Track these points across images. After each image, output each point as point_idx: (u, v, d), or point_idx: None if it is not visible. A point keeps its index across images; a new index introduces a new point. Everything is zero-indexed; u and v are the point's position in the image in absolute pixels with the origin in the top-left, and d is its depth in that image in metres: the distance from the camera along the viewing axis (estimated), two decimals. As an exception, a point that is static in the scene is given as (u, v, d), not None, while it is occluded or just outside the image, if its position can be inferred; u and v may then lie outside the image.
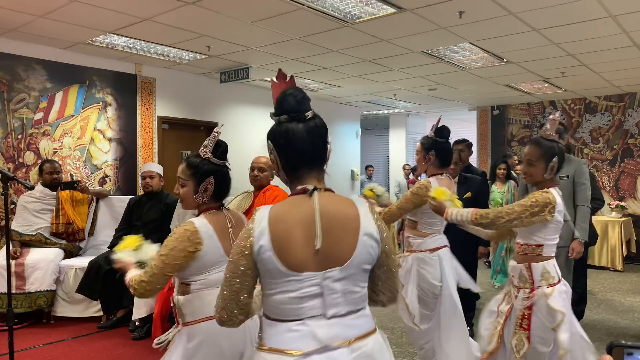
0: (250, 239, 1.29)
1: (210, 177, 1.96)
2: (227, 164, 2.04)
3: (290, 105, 1.37)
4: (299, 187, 1.35)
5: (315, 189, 1.34)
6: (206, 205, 1.99)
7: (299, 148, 1.35)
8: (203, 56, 5.95)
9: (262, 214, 1.31)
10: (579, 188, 3.78)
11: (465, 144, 4.65)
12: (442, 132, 3.02)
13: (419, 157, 3.05)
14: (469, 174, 4.35)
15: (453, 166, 4.12)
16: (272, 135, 1.39)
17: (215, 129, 2.01)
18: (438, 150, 2.99)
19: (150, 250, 2.04)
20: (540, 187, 2.43)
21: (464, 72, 6.71)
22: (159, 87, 6.68)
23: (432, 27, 4.78)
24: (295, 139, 1.35)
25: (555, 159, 2.38)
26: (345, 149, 9.97)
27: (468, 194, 3.99)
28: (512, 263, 2.53)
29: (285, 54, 5.84)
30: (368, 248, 1.32)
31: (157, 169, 4.84)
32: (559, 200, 2.35)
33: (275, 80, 1.58)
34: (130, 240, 2.08)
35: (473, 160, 9.48)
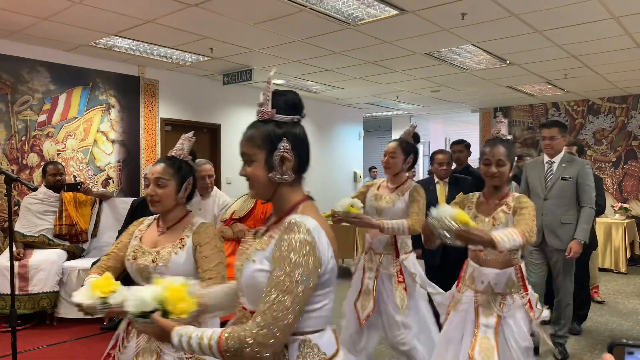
0: (317, 253, 1.20)
1: (190, 178, 2.02)
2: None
3: (301, 107, 1.37)
4: (306, 193, 1.37)
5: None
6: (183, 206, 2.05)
7: (309, 151, 1.37)
8: (206, 58, 5.97)
9: (311, 224, 1.23)
10: (583, 189, 3.68)
11: (463, 144, 4.63)
12: (417, 138, 3.20)
13: (397, 159, 3.08)
14: (460, 175, 4.33)
15: (445, 167, 4.16)
16: (291, 134, 1.32)
17: (188, 134, 2.10)
18: (416, 154, 3.15)
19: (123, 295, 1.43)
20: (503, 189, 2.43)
21: (466, 74, 6.70)
22: (162, 89, 6.69)
23: (434, 29, 4.78)
24: (308, 141, 1.38)
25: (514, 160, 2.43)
26: (347, 151, 9.97)
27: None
28: (485, 270, 2.35)
29: (288, 56, 5.85)
30: None
31: None
32: None
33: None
34: (103, 282, 1.62)
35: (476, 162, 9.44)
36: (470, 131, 10.79)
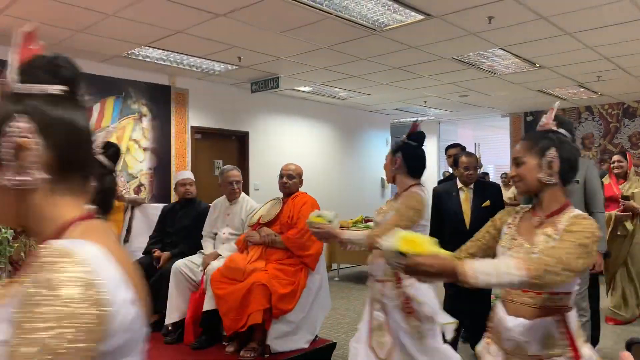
0: (99, 299, 0.68)
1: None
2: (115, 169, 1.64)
3: (68, 74, 0.89)
4: (88, 209, 0.87)
5: None
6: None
7: (80, 140, 0.91)
8: (234, 67, 6.07)
9: (89, 251, 0.72)
10: (592, 193, 3.33)
11: (459, 147, 4.45)
12: (415, 135, 2.65)
13: (387, 164, 2.71)
14: (488, 181, 4.14)
15: (472, 172, 3.75)
16: (38, 111, 0.79)
17: (107, 130, 1.78)
18: (406, 154, 2.61)
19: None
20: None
21: (495, 78, 6.62)
22: (192, 97, 6.84)
23: (461, 33, 4.75)
24: (78, 126, 0.91)
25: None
26: (375, 157, 9.94)
27: (487, 203, 3.68)
28: (510, 323, 1.66)
29: (314, 63, 5.90)
30: None
31: (192, 176, 4.96)
32: None
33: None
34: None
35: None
36: (500, 136, 10.61)
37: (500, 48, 5.26)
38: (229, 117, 7.32)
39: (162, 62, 5.90)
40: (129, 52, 5.45)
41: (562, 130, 1.72)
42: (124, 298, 0.74)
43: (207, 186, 6.66)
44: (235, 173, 4.48)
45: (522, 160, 1.69)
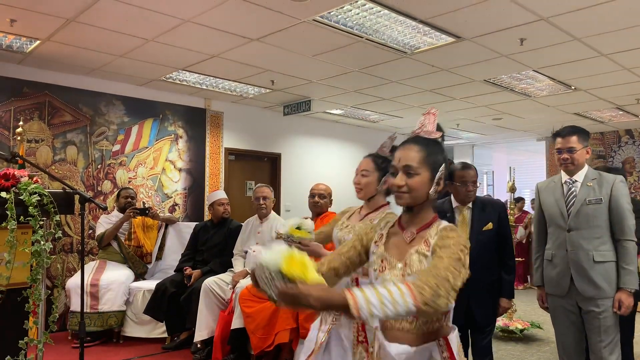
0: None
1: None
2: None
3: None
4: None
5: None
6: None
7: None
8: (267, 90, 6.21)
9: None
10: (620, 215, 2.72)
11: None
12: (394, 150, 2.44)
13: (370, 178, 2.38)
14: (489, 197, 3.58)
15: (471, 188, 3.03)
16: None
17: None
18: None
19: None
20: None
21: (529, 101, 6.54)
22: (227, 120, 7.01)
23: (492, 55, 4.74)
24: None
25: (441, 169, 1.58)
26: (407, 180, 9.88)
27: (489, 225, 3.00)
28: (390, 348, 1.51)
29: (345, 86, 5.97)
30: None
31: (226, 195, 5.10)
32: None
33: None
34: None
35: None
36: (535, 160, 10.41)
37: (534, 70, 5.21)
38: (261, 139, 7.45)
39: (198, 86, 6.09)
40: (167, 76, 5.66)
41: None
42: None
43: (240, 206, 6.76)
44: (265, 189, 4.56)
45: (416, 171, 1.54)
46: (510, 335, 5.10)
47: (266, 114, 7.44)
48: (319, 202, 3.92)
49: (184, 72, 5.50)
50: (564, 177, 2.89)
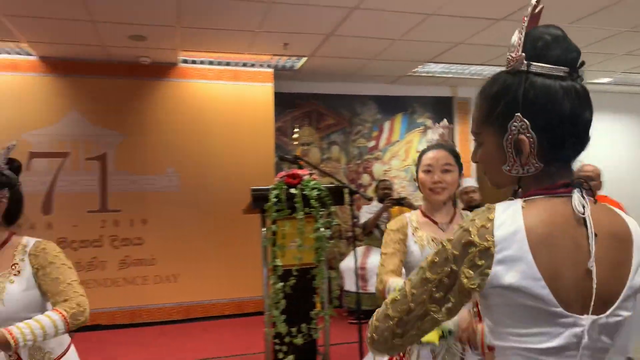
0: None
1: (4, 190, 1.66)
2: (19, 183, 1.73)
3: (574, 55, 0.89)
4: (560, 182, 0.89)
5: (580, 185, 0.87)
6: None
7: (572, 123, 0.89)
8: (517, 69, 5.85)
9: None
10: None
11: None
12: None
13: (454, 176, 1.98)
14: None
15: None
16: (528, 103, 0.89)
17: (10, 143, 1.71)
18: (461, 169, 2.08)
19: None
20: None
21: None
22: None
23: None
24: (568, 109, 0.88)
25: None
26: None
27: None
28: None
29: (612, 50, 5.21)
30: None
31: (476, 183, 5.03)
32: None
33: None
34: None
35: None
36: None
37: None
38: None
39: (444, 75, 6.14)
40: (413, 70, 5.86)
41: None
42: None
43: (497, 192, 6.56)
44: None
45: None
46: None
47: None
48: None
49: (430, 64, 5.61)
50: None
